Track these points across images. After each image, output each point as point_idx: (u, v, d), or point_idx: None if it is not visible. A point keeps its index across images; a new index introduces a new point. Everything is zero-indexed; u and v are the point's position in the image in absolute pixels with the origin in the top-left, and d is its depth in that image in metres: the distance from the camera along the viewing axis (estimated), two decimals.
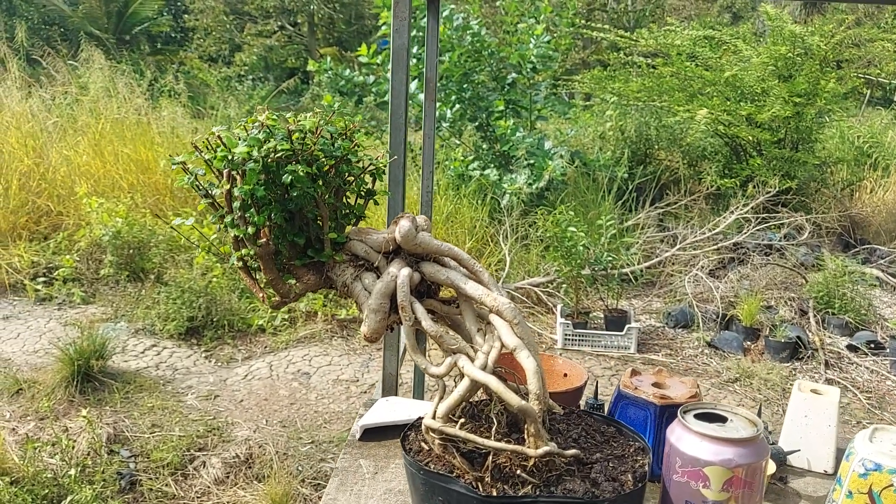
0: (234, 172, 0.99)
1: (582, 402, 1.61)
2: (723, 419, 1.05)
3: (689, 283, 5.06)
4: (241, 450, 3.38)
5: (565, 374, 1.60)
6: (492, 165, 6.10)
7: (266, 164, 0.97)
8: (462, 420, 1.06)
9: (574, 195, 6.03)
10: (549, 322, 4.91)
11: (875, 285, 5.36)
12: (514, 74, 6.32)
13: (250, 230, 1.01)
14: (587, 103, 8.18)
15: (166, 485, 3.13)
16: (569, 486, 0.98)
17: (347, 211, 1.14)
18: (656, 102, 6.70)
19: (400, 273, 1.06)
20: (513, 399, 0.98)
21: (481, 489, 0.97)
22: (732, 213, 5.77)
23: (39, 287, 5.01)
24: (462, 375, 1.05)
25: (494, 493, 0.97)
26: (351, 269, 1.10)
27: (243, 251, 1.04)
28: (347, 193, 1.14)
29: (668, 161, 7.12)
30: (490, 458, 1.00)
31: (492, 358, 1.04)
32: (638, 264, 5.35)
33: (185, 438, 3.42)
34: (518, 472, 0.98)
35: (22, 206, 5.49)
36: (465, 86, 6.12)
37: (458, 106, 6.17)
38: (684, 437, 1.01)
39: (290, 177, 0.96)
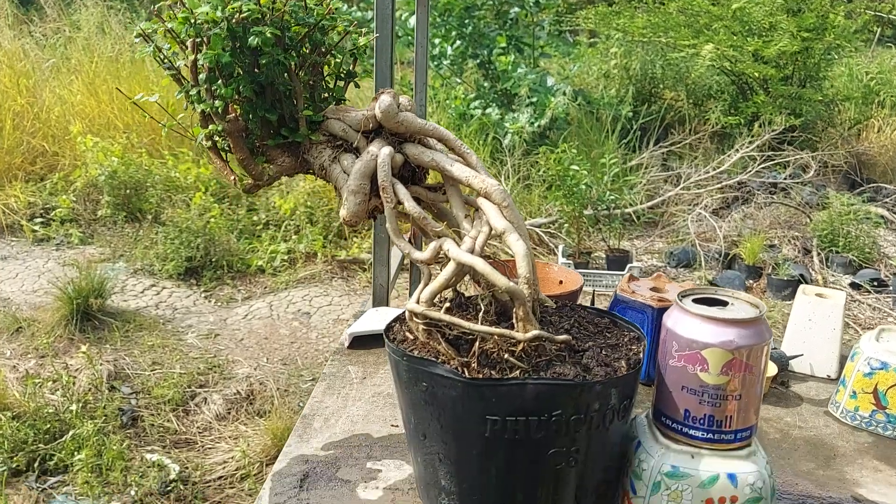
0: (198, 40, 0.92)
1: None
2: (723, 303, 0.99)
3: (692, 222, 4.98)
4: (242, 387, 3.38)
5: (560, 281, 1.55)
6: (493, 104, 5.98)
7: (231, 28, 0.90)
8: (448, 306, 1.01)
9: (577, 134, 5.92)
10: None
11: (880, 224, 5.28)
12: (516, 9, 6.15)
13: (217, 104, 0.95)
14: (592, 40, 7.98)
15: (168, 420, 3.13)
16: (559, 371, 0.93)
17: (326, 94, 1.07)
18: (662, 39, 6.53)
19: (381, 152, 0.99)
20: (500, 280, 0.93)
21: (467, 373, 0.93)
22: (737, 151, 5.66)
23: (37, 228, 4.96)
24: (448, 261, 0.99)
25: (481, 377, 0.92)
26: (328, 150, 1.03)
27: (211, 128, 0.98)
28: (326, 77, 1.07)
29: (674, 100, 6.98)
30: (477, 343, 0.95)
31: (479, 242, 0.99)
32: (641, 204, 5.27)
33: (185, 376, 3.42)
34: (506, 356, 0.93)
35: (17, 147, 5.41)
36: (465, 21, 5.97)
37: (458, 42, 6.02)
38: (682, 320, 0.96)
39: (256, 39, 0.89)
